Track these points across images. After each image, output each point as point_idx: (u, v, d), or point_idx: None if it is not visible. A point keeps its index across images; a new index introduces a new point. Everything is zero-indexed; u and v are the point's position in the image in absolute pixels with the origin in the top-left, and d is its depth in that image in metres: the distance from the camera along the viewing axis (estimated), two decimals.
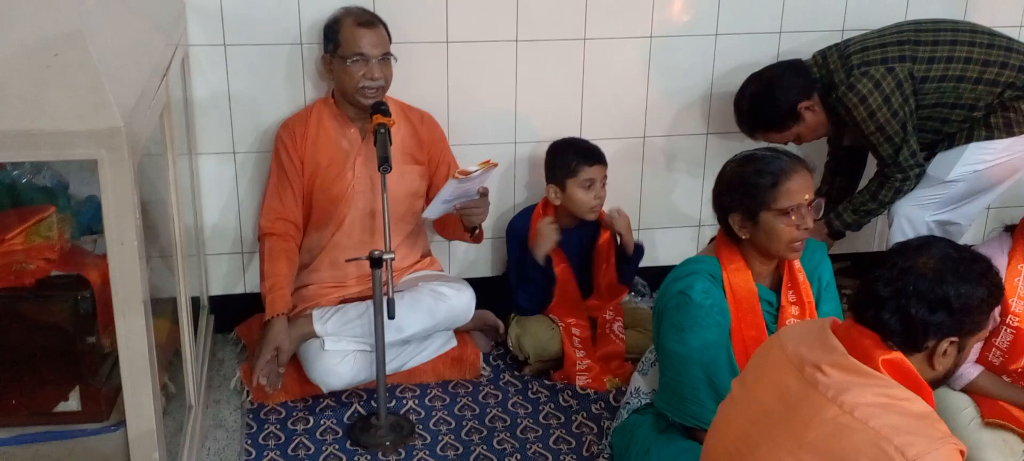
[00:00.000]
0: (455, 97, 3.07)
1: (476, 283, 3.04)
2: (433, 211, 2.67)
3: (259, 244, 2.86)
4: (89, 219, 2.29)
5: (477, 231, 2.89)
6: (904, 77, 2.86)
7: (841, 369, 1.60)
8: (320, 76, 2.94)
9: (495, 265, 3.33)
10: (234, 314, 3.13)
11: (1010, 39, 2.94)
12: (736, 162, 2.20)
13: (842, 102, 2.91)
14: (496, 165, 2.58)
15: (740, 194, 2.15)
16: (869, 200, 3.03)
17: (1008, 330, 2.40)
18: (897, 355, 1.61)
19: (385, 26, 2.80)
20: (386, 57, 2.76)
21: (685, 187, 3.38)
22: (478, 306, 2.96)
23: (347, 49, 2.72)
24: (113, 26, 1.94)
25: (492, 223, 3.26)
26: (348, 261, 2.71)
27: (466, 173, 2.54)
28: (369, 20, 2.75)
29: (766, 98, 2.98)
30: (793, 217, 2.13)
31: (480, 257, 3.30)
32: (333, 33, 2.77)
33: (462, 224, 2.80)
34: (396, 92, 2.87)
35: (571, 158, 2.97)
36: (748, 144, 3.08)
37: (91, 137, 1.64)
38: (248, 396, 2.81)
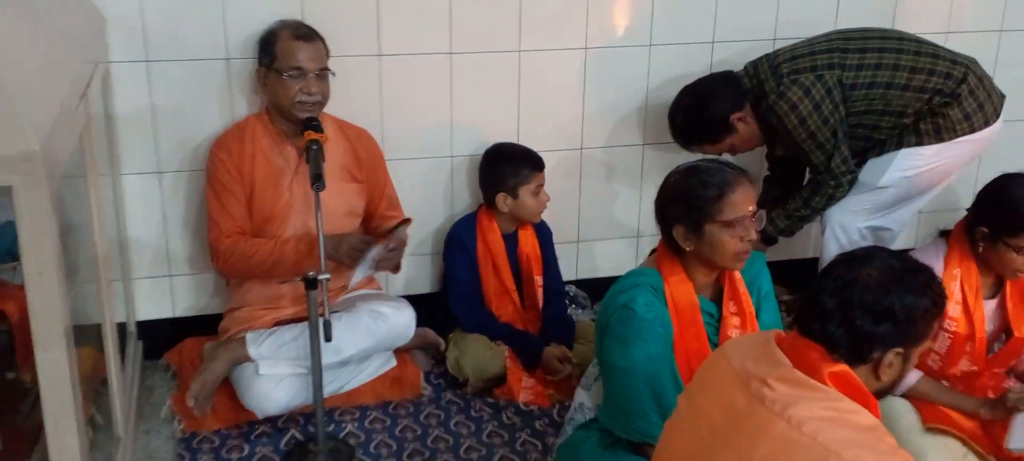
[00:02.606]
0: (390, 111, 3.05)
1: (416, 300, 3.01)
2: (354, 279, 2.71)
3: (223, 266, 2.76)
4: (9, 244, 2.18)
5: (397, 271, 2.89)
6: (833, 84, 2.89)
7: (788, 383, 1.59)
8: (254, 90, 2.89)
9: (434, 281, 3.31)
10: (163, 339, 3.05)
11: (936, 46, 2.99)
12: (680, 173, 2.20)
13: (773, 111, 2.93)
14: (409, 221, 2.60)
15: (684, 206, 2.15)
16: (802, 207, 3.06)
17: (945, 335, 2.43)
18: (843, 367, 1.60)
19: (323, 40, 2.76)
20: (324, 72, 2.72)
21: (624, 198, 3.39)
22: (418, 324, 2.94)
23: (284, 63, 2.67)
24: (25, 44, 1.85)
25: (430, 236, 3.23)
26: (282, 282, 2.64)
27: (379, 241, 2.56)
28: (306, 34, 2.70)
29: (699, 111, 3.00)
30: (737, 229, 2.14)
31: (420, 273, 3.28)
32: (269, 46, 2.71)
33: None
34: (328, 107, 2.83)
35: (522, 166, 3.00)
36: (684, 155, 3.10)
37: (3, 163, 1.55)
38: (180, 425, 2.73)
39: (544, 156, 3.08)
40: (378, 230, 2.84)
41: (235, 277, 2.85)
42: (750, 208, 2.15)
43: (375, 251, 2.62)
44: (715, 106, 2.97)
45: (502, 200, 3.01)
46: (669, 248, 2.24)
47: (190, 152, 2.93)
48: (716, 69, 3.18)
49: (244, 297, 2.85)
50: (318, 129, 2.62)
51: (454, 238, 3.10)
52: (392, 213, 2.93)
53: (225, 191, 2.74)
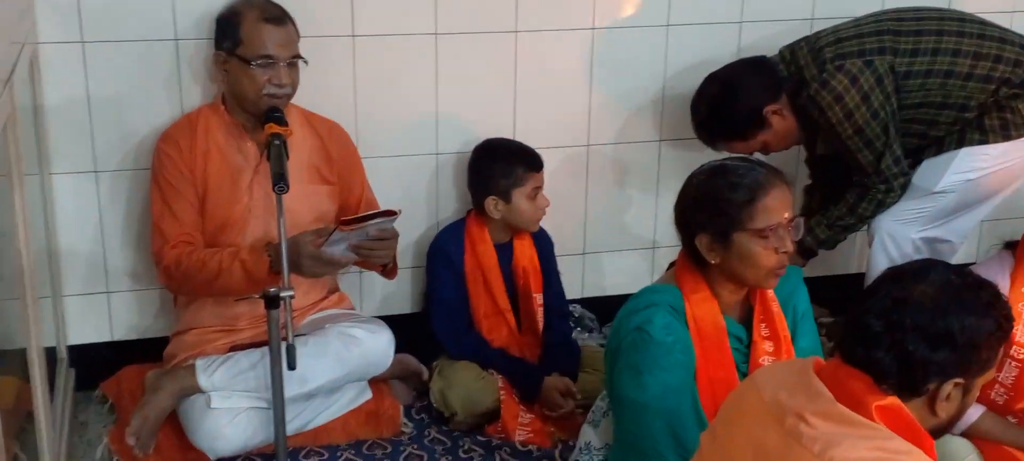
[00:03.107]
0: (365, 101, 3.04)
1: (395, 322, 3.00)
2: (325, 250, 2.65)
3: (169, 281, 2.75)
4: None
5: (389, 265, 2.86)
6: (884, 71, 2.89)
7: (828, 419, 1.59)
8: (209, 76, 2.88)
9: (416, 299, 3.29)
10: (99, 367, 3.04)
11: (1003, 30, 2.99)
12: (705, 174, 2.20)
13: (814, 102, 2.93)
14: (398, 213, 2.58)
15: (709, 211, 2.15)
16: (846, 214, 3.06)
17: (1012, 363, 2.42)
18: (893, 400, 1.60)
19: (294, 22, 2.76)
20: (295, 60, 2.73)
21: (637, 203, 3.39)
22: (398, 349, 2.93)
23: (251, 49, 2.67)
24: None
25: (411, 247, 3.23)
26: (238, 300, 2.64)
27: (352, 227, 2.52)
28: (277, 16, 2.71)
29: (727, 102, 2.99)
30: (771, 239, 2.13)
31: (399, 291, 3.27)
32: (232, 28, 2.71)
33: None
34: (299, 97, 2.82)
35: (516, 166, 3.00)
36: (707, 154, 3.10)
37: None
38: None
39: (544, 154, 3.08)
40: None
41: (184, 294, 2.85)
42: (786, 214, 2.15)
43: (348, 236, 2.55)
44: (746, 97, 2.97)
45: (493, 205, 3.01)
46: (691, 261, 2.24)
47: (132, 148, 2.91)
48: (745, 54, 3.18)
49: (194, 318, 2.84)
50: (281, 122, 2.62)
51: (438, 249, 3.10)
52: None
53: (173, 193, 2.74)
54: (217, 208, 2.75)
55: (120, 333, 3.07)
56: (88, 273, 3.00)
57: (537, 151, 3.06)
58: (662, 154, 3.34)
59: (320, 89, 2.94)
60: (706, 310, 2.22)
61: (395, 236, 2.70)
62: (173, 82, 2.89)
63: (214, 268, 2.66)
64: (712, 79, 3.05)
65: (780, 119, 3.01)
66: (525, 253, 3.13)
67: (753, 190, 2.12)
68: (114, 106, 2.87)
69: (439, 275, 3.08)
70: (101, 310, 3.04)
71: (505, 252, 3.11)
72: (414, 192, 3.17)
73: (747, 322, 2.28)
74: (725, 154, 3.04)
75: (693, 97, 3.08)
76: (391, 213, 2.58)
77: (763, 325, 2.27)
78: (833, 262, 3.52)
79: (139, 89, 2.87)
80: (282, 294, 2.37)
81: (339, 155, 2.89)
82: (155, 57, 2.86)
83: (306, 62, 2.76)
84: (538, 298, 3.13)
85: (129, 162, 2.92)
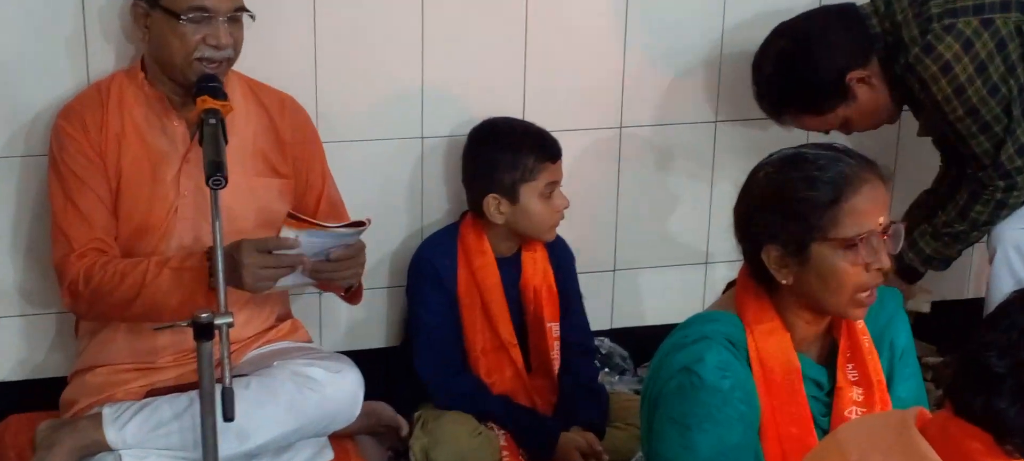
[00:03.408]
0: (328, 69, 3.05)
1: (365, 359, 3.00)
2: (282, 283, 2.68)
3: (75, 302, 2.75)
4: None
5: (353, 288, 2.88)
6: (1009, 33, 2.90)
7: None
8: (126, 35, 2.88)
9: (393, 330, 3.30)
10: None
11: None
12: (774, 166, 2.19)
13: (914, 72, 2.94)
14: (367, 225, 2.60)
15: (781, 215, 2.14)
16: (956, 220, 3.07)
17: None
18: None
19: None
20: (238, 14, 2.73)
21: (685, 205, 3.40)
22: (368, 396, 2.92)
23: (179, 0, 2.68)
24: None
25: (386, 262, 3.23)
26: (158, 329, 2.63)
27: (302, 224, 2.52)
28: None
29: (799, 63, 3.01)
30: (861, 251, 2.12)
31: (371, 318, 3.28)
32: None
33: None
34: (241, 62, 2.82)
35: (526, 154, 3.00)
36: (778, 138, 3.09)
37: None
38: None
39: (562, 139, 3.08)
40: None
41: (93, 318, 2.84)
42: (881, 220, 2.13)
43: (312, 246, 2.56)
44: (825, 57, 2.99)
45: (494, 205, 3.01)
46: (756, 281, 2.23)
47: (23, 128, 2.92)
48: (828, 2, 3.20)
49: (101, 352, 2.84)
50: (219, 95, 2.61)
51: (423, 264, 3.11)
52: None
53: (78, 186, 2.74)
54: (133, 207, 2.75)
55: (3, 372, 3.07)
56: None
57: (553, 135, 3.07)
58: (719, 138, 3.35)
59: (271, 53, 2.94)
60: (775, 345, 2.21)
61: (361, 250, 2.71)
62: (77, 42, 2.89)
63: (135, 282, 2.66)
64: (781, 32, 3.07)
65: (867, 90, 3.03)
66: (537, 269, 3.14)
67: (839, 187, 2.11)
68: (2, 71, 2.88)
69: (424, 298, 3.09)
70: None
71: (511, 268, 3.12)
72: (392, 189, 3.18)
73: (829, 362, 2.27)
74: (799, 136, 3.08)
75: (756, 53, 3.10)
76: (359, 225, 2.59)
77: (850, 366, 2.26)
78: (942, 285, 3.50)
79: (32, 51, 2.88)
80: (217, 321, 2.35)
81: (294, 139, 2.89)
82: (54, 9, 2.86)
83: (253, 17, 2.75)
84: (554, 329, 3.14)
85: (19, 146, 2.93)
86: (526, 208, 3.02)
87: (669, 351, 2.23)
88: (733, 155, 3.34)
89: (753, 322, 2.22)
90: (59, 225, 2.74)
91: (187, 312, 2.49)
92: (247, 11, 2.74)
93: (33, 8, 2.86)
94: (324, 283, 2.86)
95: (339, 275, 2.70)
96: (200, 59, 2.68)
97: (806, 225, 2.12)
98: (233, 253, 2.56)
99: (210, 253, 2.58)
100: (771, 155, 2.22)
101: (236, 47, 2.74)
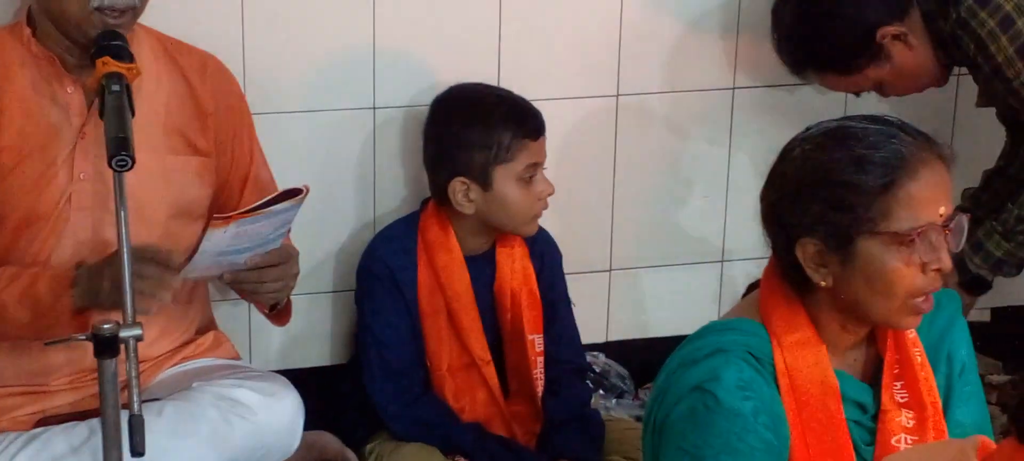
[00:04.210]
0: (257, 28, 3.06)
1: (305, 379, 3.01)
2: (187, 271, 2.63)
3: None
4: None
5: (280, 306, 2.88)
6: None
7: None
8: None
9: (340, 344, 3.31)
10: None
11: None
12: (813, 142, 2.18)
13: (968, 28, 2.96)
14: (304, 194, 2.57)
15: (821, 203, 2.13)
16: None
17: None
18: None
19: None
20: None
21: (696, 189, 3.42)
22: (309, 424, 2.92)
23: None
24: None
25: (330, 261, 3.25)
26: (49, 344, 2.60)
27: (231, 218, 2.48)
28: None
29: (823, 13, 3.06)
30: (919, 248, 2.11)
31: (312, 331, 3.29)
32: None
33: None
34: (147, 15, 2.79)
35: (501, 129, 2.98)
36: (816, 108, 3.13)
37: None
38: None
39: (547, 110, 3.07)
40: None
41: None
42: (941, 210, 2.13)
43: (213, 243, 2.53)
44: (852, 8, 3.04)
45: (462, 192, 3.00)
46: (786, 283, 2.23)
47: None
48: None
49: None
50: (123, 56, 2.59)
51: (375, 264, 3.10)
52: None
53: None
54: (16, 195, 2.73)
55: None
56: None
57: (535, 107, 3.05)
58: (738, 107, 3.38)
59: (188, 5, 2.94)
60: (808, 360, 2.20)
61: (289, 257, 2.71)
62: None
63: (9, 293, 2.68)
64: None
65: (904, 49, 3.06)
66: (515, 270, 3.13)
67: (892, 170, 2.10)
68: None
69: (377, 305, 3.08)
70: None
71: (483, 268, 3.11)
72: (337, 171, 3.18)
73: (873, 379, 2.28)
74: (836, 104, 3.13)
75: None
76: (295, 194, 2.55)
77: (898, 385, 2.26)
78: (1007, 291, 3.52)
79: None
80: (122, 334, 2.32)
81: (217, 107, 2.88)
82: None
83: None
84: (536, 342, 3.13)
85: None
86: (501, 195, 3.00)
87: (678, 368, 2.22)
88: (755, 129, 3.37)
89: (781, 332, 2.21)
90: None
91: (42, 334, 2.49)
92: None
93: None
94: (245, 292, 2.85)
95: (264, 288, 2.69)
96: (99, 9, 2.65)
97: (852, 215, 2.11)
98: (96, 275, 2.57)
99: (79, 271, 2.61)
100: (809, 128, 2.21)
101: None
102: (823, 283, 2.16)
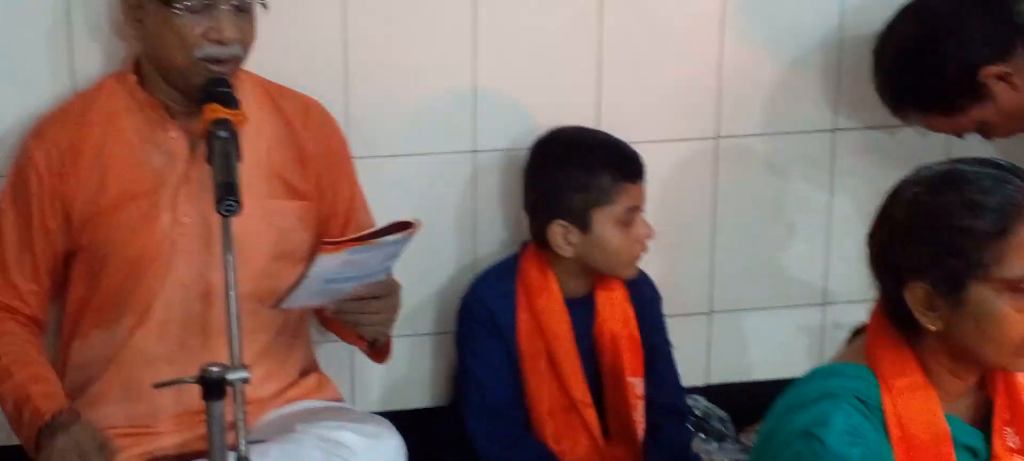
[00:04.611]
0: (360, 72, 3.07)
1: (407, 420, 3.00)
2: (293, 300, 2.64)
3: None
4: None
5: (381, 342, 2.87)
6: None
7: None
8: (116, 30, 2.91)
9: (441, 385, 3.30)
10: None
11: None
12: (924, 185, 2.16)
13: None
14: (415, 228, 2.57)
15: (932, 246, 2.12)
16: None
17: None
18: None
19: None
20: (247, 3, 2.74)
21: (798, 231, 3.41)
22: None
23: None
24: None
25: (430, 304, 3.24)
26: (159, 386, 2.62)
27: (342, 244, 2.48)
28: None
29: (925, 53, 3.03)
30: None
31: (413, 372, 3.28)
32: None
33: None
34: (252, 60, 2.82)
35: (601, 172, 2.98)
36: (919, 151, 3.08)
37: None
38: None
39: (646, 152, 3.07)
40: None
41: None
42: None
43: (320, 269, 2.54)
44: (955, 47, 3.00)
45: (561, 235, 3.00)
46: (894, 326, 2.21)
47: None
48: None
49: (88, 414, 2.79)
50: (230, 102, 2.62)
51: (476, 306, 3.11)
52: None
53: (17, 218, 2.79)
54: (120, 235, 2.76)
55: None
56: None
57: (634, 149, 3.05)
58: (839, 148, 3.35)
59: (292, 51, 2.96)
60: (918, 405, 2.18)
61: (392, 291, 2.70)
62: (59, 42, 2.92)
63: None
64: (907, 13, 3.09)
65: (1008, 89, 3.01)
66: (615, 312, 3.12)
67: (1006, 216, 2.08)
68: None
69: (477, 347, 3.08)
70: None
71: (583, 310, 3.10)
72: (438, 214, 3.17)
73: (984, 425, 2.25)
74: (938, 146, 3.07)
75: (878, 36, 3.12)
76: (406, 227, 2.55)
77: (1009, 430, 2.25)
78: None
79: (7, 48, 2.91)
80: (229, 376, 2.33)
81: (318, 151, 2.90)
82: (28, 3, 2.89)
83: (265, 5, 2.76)
84: (636, 385, 3.12)
85: None
86: (600, 238, 3.00)
87: (785, 412, 2.21)
88: (857, 171, 3.34)
89: (890, 376, 2.19)
90: None
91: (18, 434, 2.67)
92: None
93: (11, 4, 2.89)
94: (345, 332, 2.86)
95: (366, 320, 2.69)
96: (204, 59, 2.68)
97: (963, 260, 2.09)
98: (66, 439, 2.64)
99: (58, 418, 2.67)
100: (918, 170, 2.19)
101: (245, 42, 2.74)
102: (932, 327, 2.14)
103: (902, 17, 3.08)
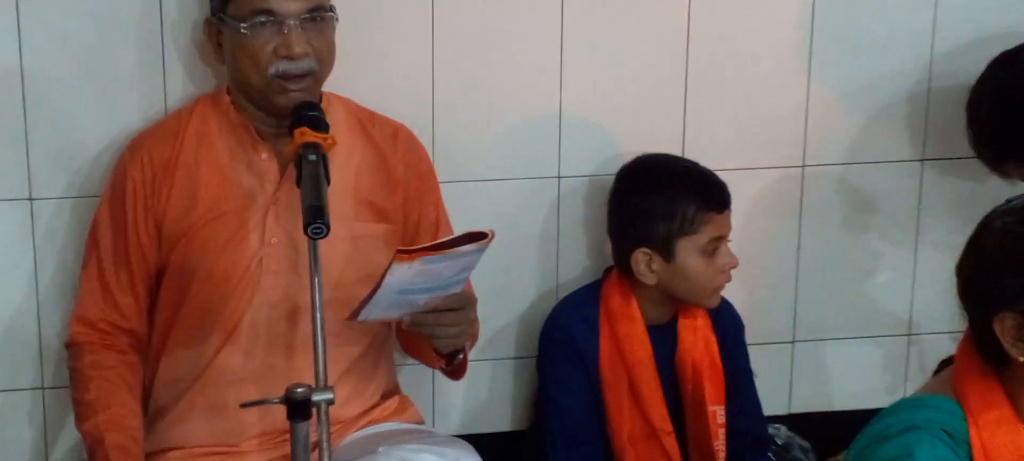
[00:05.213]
0: (446, 98, 3.08)
1: (487, 444, 2.99)
2: (368, 311, 2.62)
3: (69, 363, 2.85)
4: None
5: (458, 359, 2.85)
6: None
7: None
8: (202, 56, 2.93)
9: (521, 409, 3.30)
10: None
11: None
12: (1015, 215, 2.13)
13: None
14: (490, 238, 2.53)
15: (1021, 277, 2.09)
16: None
17: None
18: None
19: None
20: (317, 14, 2.74)
21: (885, 262, 3.38)
22: None
23: (244, 4, 2.71)
24: None
25: (511, 328, 3.25)
26: (244, 406, 2.63)
27: (415, 254, 2.46)
28: None
29: (1022, 102, 3.00)
30: None
31: (494, 395, 3.29)
32: None
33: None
34: (338, 83, 2.85)
35: (685, 201, 2.96)
36: (1003, 186, 3.07)
37: None
38: None
39: (731, 180, 3.05)
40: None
41: None
42: None
43: (396, 280, 2.51)
44: None
45: (645, 262, 2.99)
46: (982, 358, 2.17)
47: (84, 164, 2.97)
48: None
49: (174, 432, 2.86)
50: (320, 126, 2.62)
51: (558, 332, 3.10)
52: None
53: (114, 233, 2.81)
54: (208, 251, 2.78)
55: (60, 455, 3.10)
56: (13, 357, 3.05)
57: (720, 178, 3.04)
58: (926, 180, 3.33)
59: (381, 79, 2.98)
60: (1006, 439, 2.14)
61: (468, 304, 2.68)
62: (153, 60, 2.94)
63: (76, 398, 2.78)
64: (1003, 62, 3.07)
65: None
66: (697, 340, 3.11)
67: None
68: (59, 95, 2.93)
69: (559, 373, 3.07)
70: (31, 414, 3.09)
71: (665, 338, 3.08)
72: (521, 239, 3.19)
73: None
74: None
75: (971, 91, 3.09)
76: (480, 237, 2.51)
77: None
78: None
79: (98, 70, 2.92)
80: (315, 397, 2.34)
81: (407, 174, 2.91)
82: (122, 22, 2.91)
83: (337, 18, 2.77)
84: (718, 413, 3.09)
85: (80, 185, 2.97)
86: (683, 267, 2.98)
87: (869, 443, 2.18)
88: (944, 201, 3.32)
89: (977, 409, 2.16)
90: (85, 281, 2.86)
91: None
92: (328, 10, 2.75)
93: (99, 24, 2.91)
94: (423, 353, 2.87)
95: (442, 332, 2.66)
96: (277, 76, 2.70)
97: None
98: None
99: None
100: (1010, 201, 2.16)
101: (321, 56, 2.75)
102: (1021, 358, 2.09)
103: (998, 67, 3.07)
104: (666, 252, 2.97)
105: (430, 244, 2.54)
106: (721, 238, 2.98)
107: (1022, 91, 3.01)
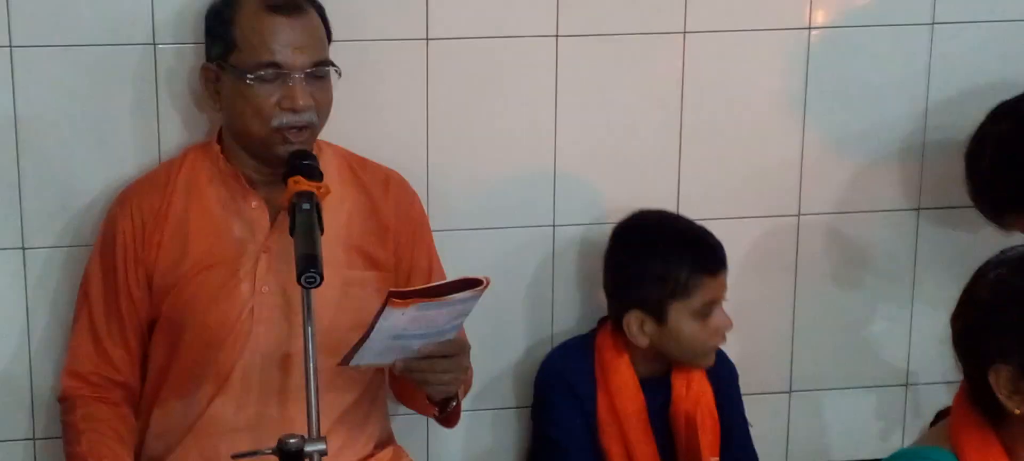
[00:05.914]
0: (440, 143, 3.07)
1: None
2: (360, 356, 2.60)
3: (62, 416, 2.84)
4: None
5: (452, 406, 2.83)
6: None
7: None
8: (197, 103, 2.93)
9: (519, 457, 3.29)
10: None
11: None
12: (1010, 266, 2.13)
13: None
14: (485, 285, 2.52)
15: (1016, 328, 2.08)
16: None
17: None
18: None
19: (319, 10, 2.79)
20: (321, 70, 2.75)
21: (881, 312, 3.37)
22: None
23: (249, 55, 2.71)
24: None
25: (506, 377, 3.23)
26: (237, 457, 2.62)
27: (409, 300, 2.44)
28: (290, 1, 2.73)
29: (1022, 154, 3.00)
30: None
31: (491, 444, 3.27)
32: (223, 24, 2.76)
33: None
34: (331, 131, 2.84)
35: (678, 265, 2.94)
36: (999, 236, 3.06)
37: None
38: None
39: (727, 227, 3.07)
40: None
41: None
42: None
43: (389, 325, 2.49)
44: None
45: (636, 325, 2.97)
46: (978, 410, 2.16)
47: (80, 213, 2.96)
48: None
49: None
50: (314, 175, 2.62)
51: (555, 377, 3.09)
52: None
53: (105, 285, 2.81)
54: (199, 302, 2.77)
55: None
56: (5, 407, 3.04)
57: (717, 240, 3.01)
58: (922, 229, 3.33)
59: (374, 125, 2.98)
60: None
61: (461, 350, 2.66)
62: (145, 109, 2.94)
63: (71, 451, 2.75)
64: (1002, 114, 3.07)
65: None
66: (691, 392, 3.08)
67: None
68: (53, 146, 2.93)
69: (556, 416, 3.06)
70: None
71: (659, 390, 3.06)
72: (515, 288, 3.18)
73: None
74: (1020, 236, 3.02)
75: (970, 141, 3.09)
76: (474, 285, 2.51)
77: None
78: None
79: (90, 120, 2.93)
80: (307, 448, 2.33)
81: (399, 221, 2.90)
82: (116, 72, 2.92)
83: (339, 72, 2.78)
84: None
85: (84, 233, 2.96)
86: (676, 330, 2.96)
87: None
88: (941, 251, 3.32)
89: (974, 459, 2.14)
90: (76, 335, 2.85)
91: None
92: (331, 65, 2.76)
93: (93, 74, 2.91)
94: (415, 400, 2.85)
95: (435, 379, 2.65)
96: (278, 129, 2.70)
97: None
98: None
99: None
100: (1003, 251, 2.17)
101: (321, 110, 2.75)
102: (1017, 411, 2.09)
103: (996, 119, 3.06)
104: (659, 315, 2.95)
105: (424, 288, 2.52)
106: (714, 301, 2.95)
107: (1019, 146, 3.00)
